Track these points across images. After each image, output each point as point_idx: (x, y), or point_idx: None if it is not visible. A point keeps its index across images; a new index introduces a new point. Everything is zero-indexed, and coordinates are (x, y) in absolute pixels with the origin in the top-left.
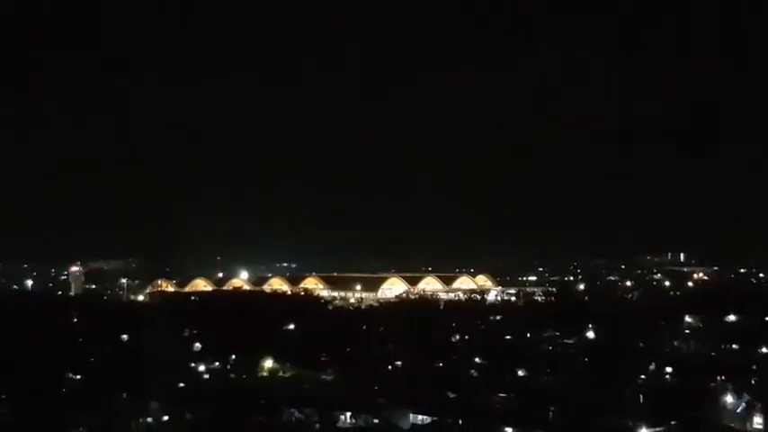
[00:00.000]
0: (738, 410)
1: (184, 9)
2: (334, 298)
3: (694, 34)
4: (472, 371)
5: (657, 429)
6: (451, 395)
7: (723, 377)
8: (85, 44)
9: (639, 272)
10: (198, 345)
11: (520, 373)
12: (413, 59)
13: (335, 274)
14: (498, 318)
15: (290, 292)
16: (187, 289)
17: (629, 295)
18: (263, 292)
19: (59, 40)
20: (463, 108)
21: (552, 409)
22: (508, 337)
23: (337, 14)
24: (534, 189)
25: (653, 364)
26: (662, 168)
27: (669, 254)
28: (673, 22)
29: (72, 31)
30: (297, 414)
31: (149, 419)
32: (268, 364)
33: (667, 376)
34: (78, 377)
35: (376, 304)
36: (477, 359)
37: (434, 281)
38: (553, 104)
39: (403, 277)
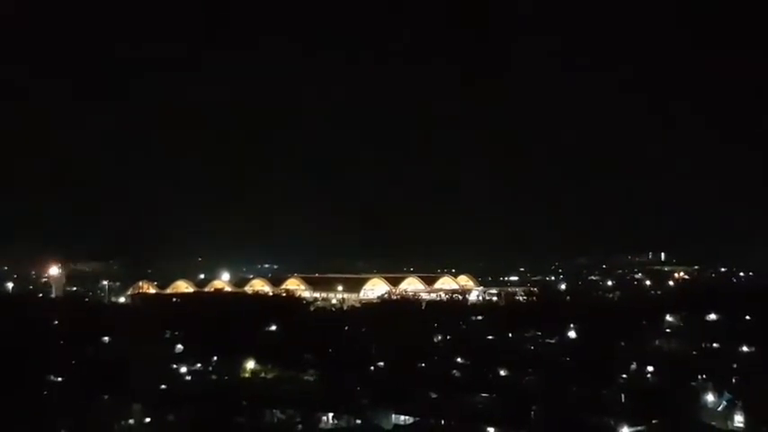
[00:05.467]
0: (719, 409)
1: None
2: (316, 299)
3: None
4: (454, 371)
5: (639, 428)
6: (434, 395)
7: (704, 376)
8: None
9: (620, 271)
10: (179, 346)
11: (502, 372)
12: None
13: (317, 274)
14: (480, 318)
15: (271, 293)
16: (168, 291)
17: (611, 295)
18: (244, 293)
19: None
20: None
21: (534, 408)
22: (490, 336)
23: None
24: (513, 189)
25: (634, 363)
26: (642, 168)
27: (650, 253)
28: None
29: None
30: (279, 415)
31: (131, 421)
32: (250, 365)
33: (648, 375)
34: (59, 379)
35: (358, 305)
36: (458, 359)
37: (416, 281)
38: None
39: (385, 278)
